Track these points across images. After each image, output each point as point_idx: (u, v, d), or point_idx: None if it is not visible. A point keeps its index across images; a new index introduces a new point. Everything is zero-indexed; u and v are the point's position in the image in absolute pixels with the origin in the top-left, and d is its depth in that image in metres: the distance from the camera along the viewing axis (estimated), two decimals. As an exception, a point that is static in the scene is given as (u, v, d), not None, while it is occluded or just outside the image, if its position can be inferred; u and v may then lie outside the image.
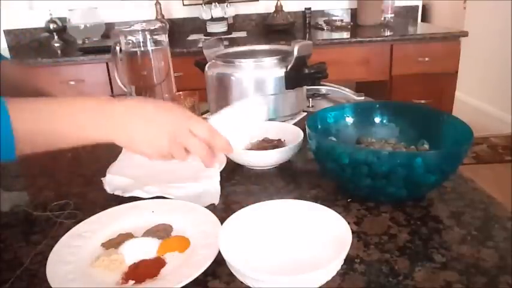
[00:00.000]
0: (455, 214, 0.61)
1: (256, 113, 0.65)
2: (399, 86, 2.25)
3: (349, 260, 0.51)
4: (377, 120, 0.79)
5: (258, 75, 0.95)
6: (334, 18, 2.61)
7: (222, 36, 2.31)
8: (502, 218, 0.59)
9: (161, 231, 0.59)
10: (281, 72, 0.94)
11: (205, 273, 0.49)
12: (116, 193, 0.69)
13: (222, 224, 0.54)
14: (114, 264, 0.52)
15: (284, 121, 0.95)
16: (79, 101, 0.51)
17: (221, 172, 0.74)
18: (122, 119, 0.51)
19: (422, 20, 2.88)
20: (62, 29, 2.45)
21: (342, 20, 2.53)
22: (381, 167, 0.58)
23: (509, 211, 0.60)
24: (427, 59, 2.19)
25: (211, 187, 0.70)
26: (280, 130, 0.87)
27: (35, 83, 0.83)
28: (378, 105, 0.80)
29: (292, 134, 0.82)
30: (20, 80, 0.84)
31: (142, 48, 0.97)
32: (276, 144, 0.82)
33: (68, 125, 0.50)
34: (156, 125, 0.52)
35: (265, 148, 0.79)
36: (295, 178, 0.75)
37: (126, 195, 0.68)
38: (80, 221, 0.61)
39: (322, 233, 0.53)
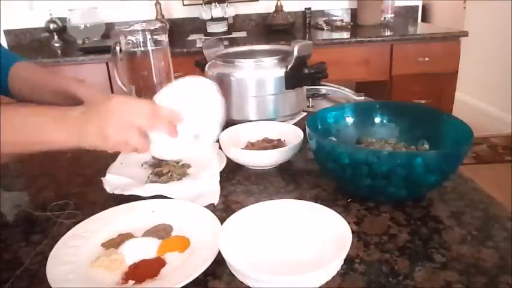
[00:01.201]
0: (455, 214, 0.61)
1: (204, 92, 0.66)
2: (399, 86, 2.25)
3: (349, 260, 0.51)
4: (377, 120, 0.79)
5: (258, 75, 0.95)
6: (334, 18, 2.61)
7: (222, 36, 2.31)
8: (502, 218, 0.59)
9: (161, 231, 0.58)
10: (281, 72, 0.94)
11: (205, 273, 0.49)
12: (115, 192, 0.69)
13: (222, 224, 0.54)
14: (114, 264, 0.52)
15: (284, 121, 0.95)
16: (50, 110, 0.58)
17: (221, 172, 0.74)
18: (77, 122, 0.56)
19: (422, 20, 2.88)
20: (62, 29, 2.45)
21: (342, 20, 2.53)
22: (381, 167, 0.58)
23: (509, 211, 0.60)
24: (427, 59, 2.19)
25: (211, 187, 0.70)
26: (280, 130, 0.87)
27: (52, 82, 0.84)
28: (378, 105, 0.80)
29: (292, 134, 0.82)
30: (39, 80, 0.84)
31: (142, 48, 0.97)
32: (276, 144, 0.82)
33: (42, 131, 0.56)
34: (109, 120, 0.55)
35: (265, 148, 0.79)
36: (295, 178, 0.75)
37: (126, 193, 0.68)
38: (80, 221, 0.61)
39: (322, 233, 0.53)
